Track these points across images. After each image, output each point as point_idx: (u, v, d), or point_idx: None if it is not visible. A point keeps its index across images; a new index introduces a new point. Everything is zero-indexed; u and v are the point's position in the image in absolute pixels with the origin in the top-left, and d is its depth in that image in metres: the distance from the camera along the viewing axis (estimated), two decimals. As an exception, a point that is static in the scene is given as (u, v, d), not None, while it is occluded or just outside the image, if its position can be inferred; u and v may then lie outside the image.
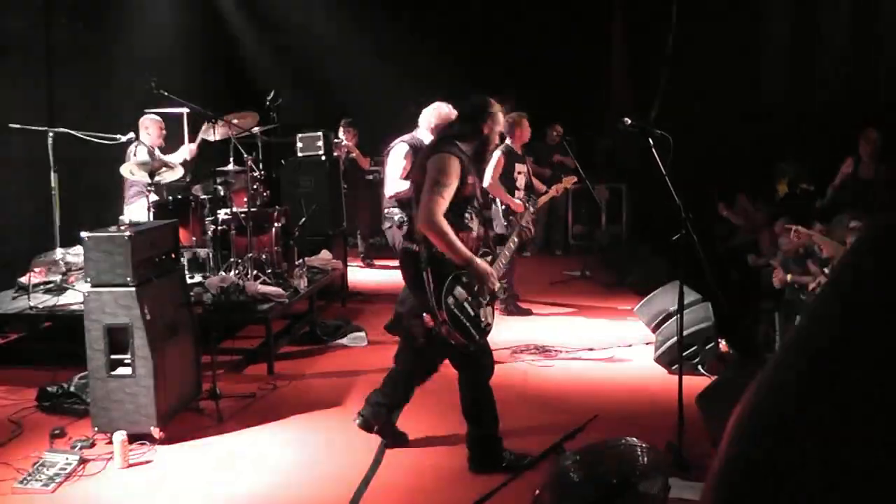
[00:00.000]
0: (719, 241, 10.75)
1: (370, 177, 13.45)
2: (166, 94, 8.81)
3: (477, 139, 5.41)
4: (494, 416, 5.56)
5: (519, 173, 9.63)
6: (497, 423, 5.55)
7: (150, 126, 9.39)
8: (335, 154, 11.48)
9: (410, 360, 5.78)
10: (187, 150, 9.74)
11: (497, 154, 9.35)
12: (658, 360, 7.64)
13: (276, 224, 8.87)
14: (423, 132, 7.80)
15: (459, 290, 5.18)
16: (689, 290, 7.32)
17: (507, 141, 9.51)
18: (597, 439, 4.58)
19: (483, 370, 5.54)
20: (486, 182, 9.39)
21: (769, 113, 12.39)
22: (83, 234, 5.88)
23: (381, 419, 5.77)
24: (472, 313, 5.23)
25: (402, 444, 5.87)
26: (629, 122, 5.60)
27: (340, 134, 12.60)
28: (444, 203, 5.10)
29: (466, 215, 5.30)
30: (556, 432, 5.59)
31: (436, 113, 7.75)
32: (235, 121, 9.30)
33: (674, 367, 7.36)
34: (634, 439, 4.20)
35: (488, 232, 5.66)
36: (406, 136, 7.89)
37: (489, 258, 5.43)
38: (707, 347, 7.49)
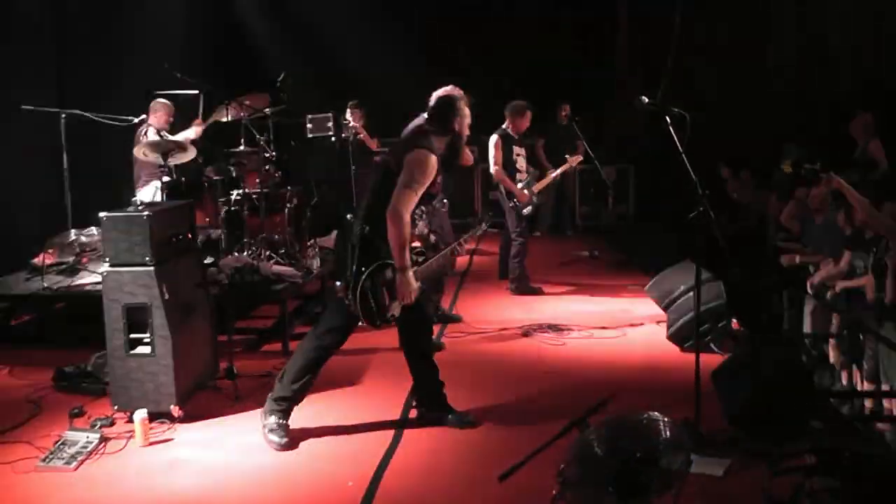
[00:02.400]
0: (726, 220, 10.74)
1: (377, 158, 13.42)
2: (179, 75, 8.81)
3: (448, 136, 5.47)
4: (301, 388, 5.63)
5: (518, 155, 9.91)
6: (296, 396, 5.65)
7: (159, 110, 9.39)
8: (343, 135, 11.48)
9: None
10: (193, 131, 9.75)
11: (494, 138, 9.57)
12: (671, 337, 7.67)
13: (288, 205, 8.88)
14: None
15: (379, 278, 5.33)
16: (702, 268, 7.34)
17: (505, 125, 9.72)
18: (616, 415, 4.59)
19: (331, 342, 5.62)
20: (492, 169, 9.54)
21: (776, 93, 12.37)
22: (102, 214, 5.90)
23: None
24: (383, 302, 5.37)
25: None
26: (647, 100, 5.60)
27: (348, 115, 12.58)
28: (415, 200, 5.27)
29: (418, 212, 5.40)
30: (572, 408, 5.61)
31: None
32: (247, 102, 9.30)
33: (687, 345, 7.41)
34: (657, 414, 4.23)
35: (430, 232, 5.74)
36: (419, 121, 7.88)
37: (422, 258, 5.59)
38: (719, 325, 7.52)
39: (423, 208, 5.43)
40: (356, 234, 5.38)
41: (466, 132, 5.62)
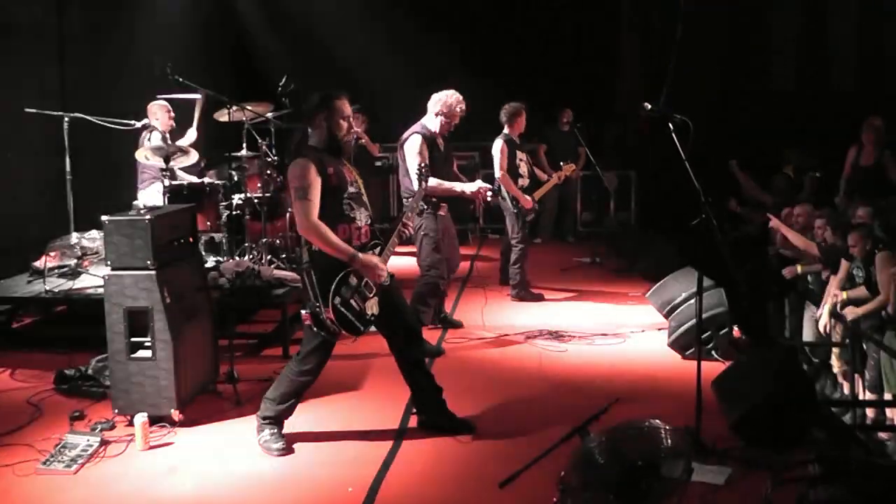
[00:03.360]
0: (728, 228, 10.76)
1: (378, 163, 13.44)
2: (181, 79, 8.82)
3: (320, 134, 5.45)
4: (288, 406, 5.66)
5: (520, 160, 9.89)
6: (284, 416, 5.66)
7: (157, 112, 9.41)
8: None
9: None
10: (192, 135, 9.75)
11: (499, 143, 9.57)
12: (672, 345, 7.65)
13: (289, 209, 8.88)
14: (430, 118, 7.90)
15: (346, 290, 5.32)
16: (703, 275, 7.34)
17: (506, 130, 9.71)
18: (618, 422, 4.59)
19: (314, 361, 5.60)
20: (497, 174, 9.53)
21: (777, 99, 12.40)
22: (104, 217, 5.91)
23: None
24: (358, 308, 5.38)
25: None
26: (650, 106, 5.60)
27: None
28: (312, 205, 5.25)
29: (345, 207, 5.43)
30: (573, 415, 5.63)
31: (439, 101, 7.89)
32: (249, 107, 9.29)
33: (688, 352, 7.40)
34: (658, 421, 4.23)
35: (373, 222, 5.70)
36: (417, 127, 7.90)
37: (377, 248, 5.57)
38: (721, 333, 7.51)
39: (347, 201, 5.41)
40: (307, 253, 5.45)
41: (343, 129, 5.46)
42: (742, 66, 13.03)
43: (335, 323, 5.25)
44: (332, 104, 5.44)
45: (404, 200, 7.98)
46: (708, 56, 13.16)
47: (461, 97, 7.93)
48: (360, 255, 5.34)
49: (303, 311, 5.36)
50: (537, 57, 15.24)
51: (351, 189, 5.49)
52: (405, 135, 7.90)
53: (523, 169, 9.87)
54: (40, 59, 9.84)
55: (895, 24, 10.94)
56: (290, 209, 8.93)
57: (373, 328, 5.57)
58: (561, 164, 10.57)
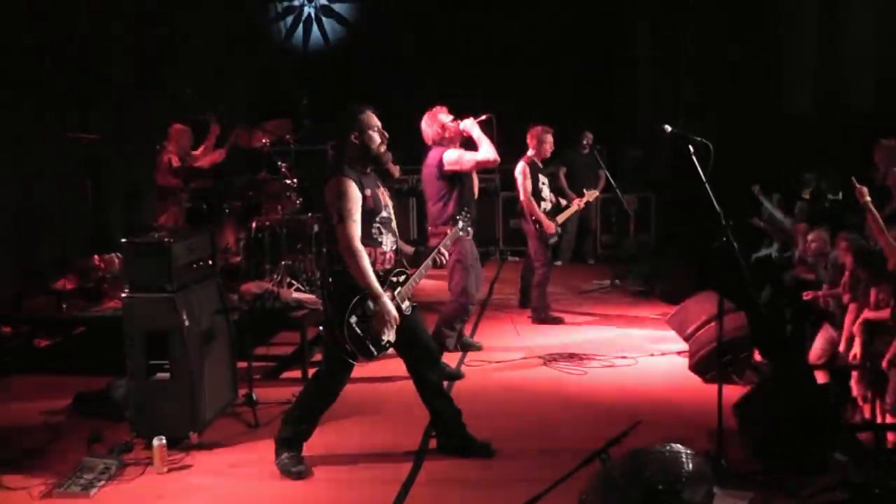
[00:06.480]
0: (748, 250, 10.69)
1: (397, 185, 13.42)
2: (197, 99, 8.85)
3: (353, 150, 5.42)
4: (307, 427, 5.64)
5: (543, 184, 9.86)
6: (303, 439, 5.63)
7: (179, 134, 9.43)
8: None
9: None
10: (216, 155, 9.80)
11: (521, 166, 9.57)
12: (693, 368, 7.60)
13: (309, 231, 8.89)
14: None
15: (363, 311, 5.28)
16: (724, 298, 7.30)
17: (530, 153, 9.72)
18: (637, 446, 4.55)
19: (333, 383, 5.60)
20: (521, 197, 9.52)
21: (793, 122, 12.36)
22: (123, 240, 5.92)
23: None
24: (374, 332, 5.33)
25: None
26: (669, 129, 5.59)
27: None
28: (357, 226, 5.25)
29: (374, 230, 5.40)
30: (594, 438, 5.58)
31: (427, 119, 7.97)
32: (269, 128, 9.31)
33: (709, 376, 7.34)
34: (679, 445, 4.20)
35: (401, 248, 5.67)
36: (442, 144, 7.91)
37: (402, 276, 5.55)
38: (741, 356, 7.46)
39: (377, 225, 5.39)
40: (328, 272, 5.43)
41: (375, 143, 5.44)
42: (758, 89, 13.00)
43: (349, 342, 5.23)
44: (360, 118, 5.43)
45: (430, 229, 7.98)
46: (723, 79, 13.19)
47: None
48: (384, 298, 5.29)
49: (320, 328, 5.35)
50: (557, 79, 15.27)
51: (384, 213, 5.48)
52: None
53: (545, 192, 9.85)
54: (62, 82, 9.90)
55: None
56: (312, 230, 8.95)
57: (391, 350, 5.54)
58: (584, 190, 10.56)
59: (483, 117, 7.96)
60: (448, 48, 15.37)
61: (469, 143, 7.95)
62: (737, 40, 13.18)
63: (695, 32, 13.86)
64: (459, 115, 8.02)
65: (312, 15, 16.36)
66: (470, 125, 7.88)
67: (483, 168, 8.13)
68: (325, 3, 16.32)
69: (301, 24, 16.38)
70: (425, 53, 15.42)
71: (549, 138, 9.81)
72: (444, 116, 7.90)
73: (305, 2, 16.34)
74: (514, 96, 13.95)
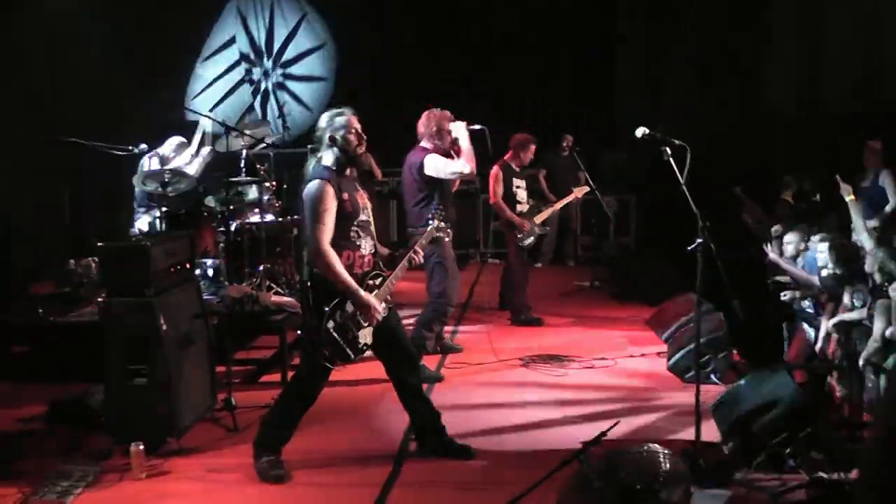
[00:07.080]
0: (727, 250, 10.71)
1: (378, 188, 13.40)
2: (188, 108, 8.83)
3: (333, 153, 5.43)
4: (286, 431, 5.62)
5: (517, 188, 9.88)
6: (282, 442, 5.60)
7: (171, 144, 9.39)
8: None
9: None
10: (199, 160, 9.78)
11: (494, 169, 9.60)
12: (671, 368, 7.63)
13: (288, 235, 8.86)
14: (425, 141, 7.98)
15: (340, 315, 5.30)
16: (703, 299, 7.33)
17: (506, 157, 9.80)
18: (616, 446, 4.57)
19: (311, 386, 5.59)
20: (491, 199, 9.55)
21: (773, 124, 12.43)
22: (100, 244, 5.89)
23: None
24: (351, 336, 5.35)
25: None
26: (647, 131, 5.60)
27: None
28: (327, 229, 5.26)
29: (352, 233, 5.41)
30: (573, 439, 5.61)
31: (426, 119, 7.94)
32: (248, 131, 9.29)
33: (688, 376, 7.36)
34: (657, 446, 4.21)
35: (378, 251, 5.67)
36: (429, 145, 7.87)
37: (379, 279, 5.55)
38: (720, 356, 7.49)
39: (355, 229, 5.41)
40: (306, 276, 5.42)
41: (354, 144, 5.44)
42: (738, 90, 13.07)
43: (326, 346, 5.23)
44: (339, 119, 5.44)
45: (410, 230, 7.95)
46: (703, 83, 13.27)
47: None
48: (361, 293, 5.31)
49: (298, 332, 5.35)
50: (537, 82, 15.31)
51: (362, 217, 5.49)
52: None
53: (521, 195, 9.87)
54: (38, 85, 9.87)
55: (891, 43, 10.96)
56: (291, 233, 8.92)
57: (370, 353, 5.54)
58: (571, 188, 10.65)
59: (476, 127, 7.93)
60: (448, 35, 15.37)
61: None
62: (719, 43, 13.25)
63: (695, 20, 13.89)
64: (458, 115, 8.01)
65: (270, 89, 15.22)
66: (459, 129, 7.83)
67: (460, 179, 8.11)
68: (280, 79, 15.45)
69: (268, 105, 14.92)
70: (409, 54, 15.40)
71: (532, 147, 9.90)
72: (448, 123, 7.86)
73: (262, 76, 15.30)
74: (490, 97, 13.99)
